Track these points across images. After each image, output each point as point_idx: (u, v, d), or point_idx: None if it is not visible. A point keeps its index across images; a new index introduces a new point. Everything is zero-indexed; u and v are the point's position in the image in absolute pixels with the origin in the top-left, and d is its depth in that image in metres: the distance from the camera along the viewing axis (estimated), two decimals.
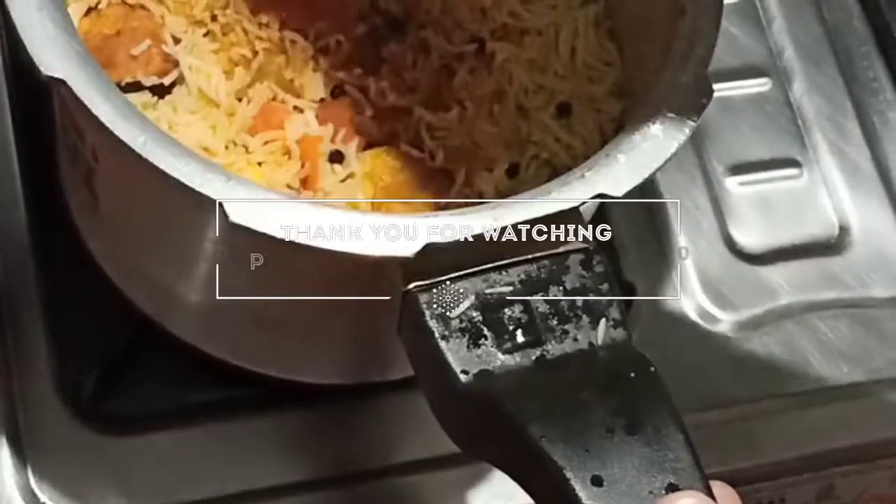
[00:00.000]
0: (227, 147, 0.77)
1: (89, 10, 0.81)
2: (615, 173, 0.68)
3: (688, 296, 0.99)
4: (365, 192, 0.77)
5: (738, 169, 1.05)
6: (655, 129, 0.70)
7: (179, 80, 0.78)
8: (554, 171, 0.81)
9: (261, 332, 0.80)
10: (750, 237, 1.03)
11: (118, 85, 0.76)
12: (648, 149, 0.69)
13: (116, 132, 0.62)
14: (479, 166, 0.79)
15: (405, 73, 0.81)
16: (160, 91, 0.77)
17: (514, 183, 0.79)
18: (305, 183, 0.77)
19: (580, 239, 0.68)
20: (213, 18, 0.80)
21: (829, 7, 1.13)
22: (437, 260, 0.64)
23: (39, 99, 0.81)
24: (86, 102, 0.62)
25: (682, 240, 1.01)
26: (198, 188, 0.62)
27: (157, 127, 0.64)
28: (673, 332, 0.97)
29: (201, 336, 0.83)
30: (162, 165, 0.62)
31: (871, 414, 0.98)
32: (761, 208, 1.04)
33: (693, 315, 0.98)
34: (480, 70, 0.82)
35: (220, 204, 0.62)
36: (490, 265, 0.66)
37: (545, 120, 0.81)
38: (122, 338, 0.87)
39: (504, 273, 0.66)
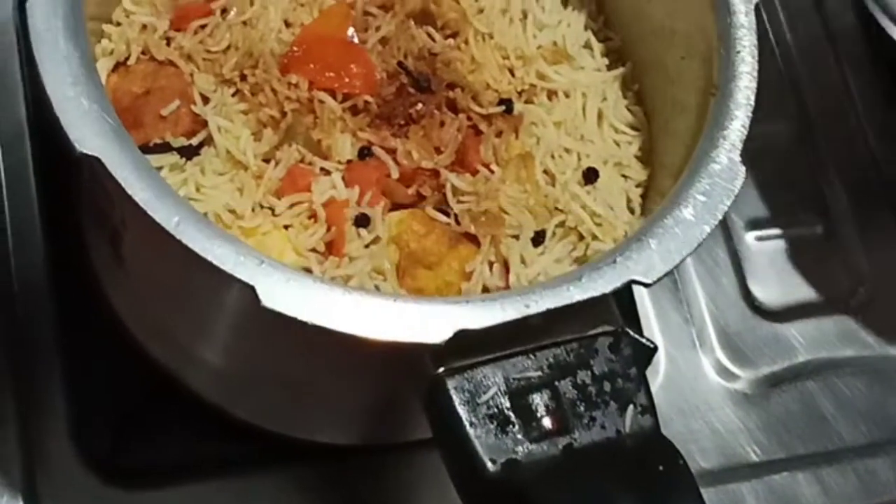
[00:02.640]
0: (253, 209, 0.76)
1: (117, 66, 0.81)
2: (647, 259, 0.68)
3: (706, 352, 0.99)
4: (390, 258, 0.77)
5: (757, 223, 1.05)
6: (687, 213, 0.69)
7: (207, 141, 0.78)
8: (580, 238, 0.80)
9: (282, 398, 0.80)
10: (769, 293, 1.02)
11: (146, 146, 0.76)
12: (680, 234, 0.69)
13: (150, 213, 0.62)
14: (505, 233, 0.79)
15: (432, 134, 0.80)
16: (188, 152, 0.77)
17: (540, 250, 0.79)
18: (331, 247, 0.77)
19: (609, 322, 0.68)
20: (243, 78, 0.80)
21: (848, 60, 1.13)
22: (466, 345, 0.64)
23: (64, 152, 0.81)
24: (120, 182, 0.62)
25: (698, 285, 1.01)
26: (230, 271, 0.62)
27: (191, 207, 0.63)
28: (691, 389, 0.97)
29: (221, 397, 0.83)
30: (195, 247, 0.62)
31: (890, 474, 0.98)
32: (781, 264, 1.04)
33: (711, 372, 0.98)
34: (508, 132, 0.82)
35: (253, 288, 0.61)
36: (519, 349, 0.66)
37: (572, 186, 0.80)
38: (139, 392, 0.87)
39: (532, 357, 0.66)
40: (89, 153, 0.63)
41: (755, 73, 0.74)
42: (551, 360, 0.66)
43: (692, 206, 0.69)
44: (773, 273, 1.03)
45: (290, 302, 0.62)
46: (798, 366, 1.00)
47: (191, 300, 0.73)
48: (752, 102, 0.73)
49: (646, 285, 0.67)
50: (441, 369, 0.64)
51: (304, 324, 0.62)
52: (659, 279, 0.67)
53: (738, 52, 0.74)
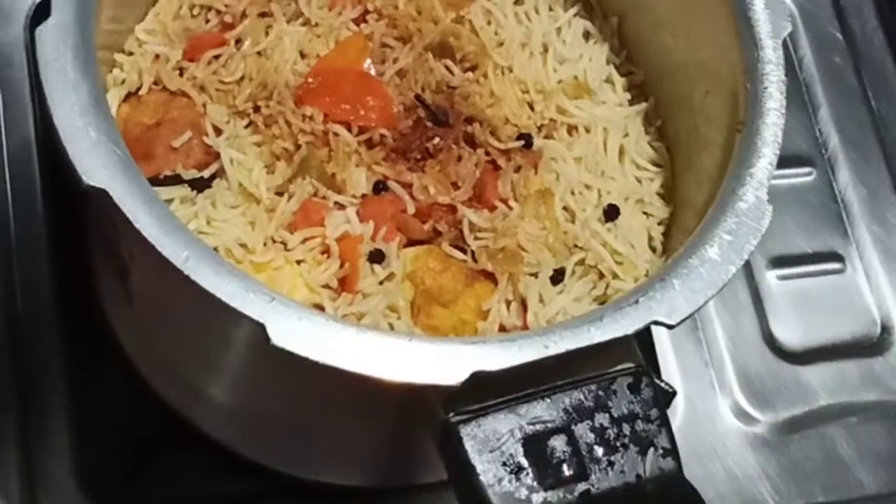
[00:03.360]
0: (265, 244, 0.74)
1: (129, 96, 0.79)
2: (670, 299, 0.66)
3: (725, 394, 0.96)
4: (405, 296, 0.75)
5: (779, 262, 1.03)
6: (712, 252, 0.68)
7: (219, 173, 0.76)
8: (599, 277, 0.78)
9: (291, 438, 0.78)
10: (790, 334, 1.00)
11: (157, 178, 0.75)
12: (705, 274, 0.67)
13: (159, 248, 0.60)
14: (523, 271, 0.77)
15: (449, 169, 0.79)
16: (199, 185, 0.75)
17: (559, 289, 0.77)
18: (344, 283, 0.75)
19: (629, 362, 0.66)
20: (256, 109, 0.78)
21: (876, 95, 1.10)
22: (481, 388, 0.62)
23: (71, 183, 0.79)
24: (128, 216, 0.60)
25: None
26: (240, 309, 0.60)
27: (201, 242, 0.62)
28: (709, 432, 0.95)
29: (229, 436, 0.81)
30: (204, 284, 0.60)
31: None
32: (802, 304, 1.02)
33: (730, 414, 0.96)
34: (527, 168, 0.80)
35: (263, 326, 0.60)
36: (535, 390, 0.64)
37: (592, 223, 0.79)
38: (146, 428, 0.85)
39: (549, 400, 0.64)
40: (96, 186, 0.61)
41: (783, 110, 0.72)
42: (568, 402, 0.64)
43: (717, 245, 0.67)
44: (795, 314, 1.00)
45: (301, 341, 0.60)
46: (819, 410, 0.98)
47: (199, 336, 0.71)
48: (780, 139, 0.71)
49: (669, 327, 0.65)
50: (453, 414, 0.62)
51: (315, 363, 0.59)
52: (682, 321, 0.65)
53: (766, 87, 0.72)
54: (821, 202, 1.05)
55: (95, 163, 0.62)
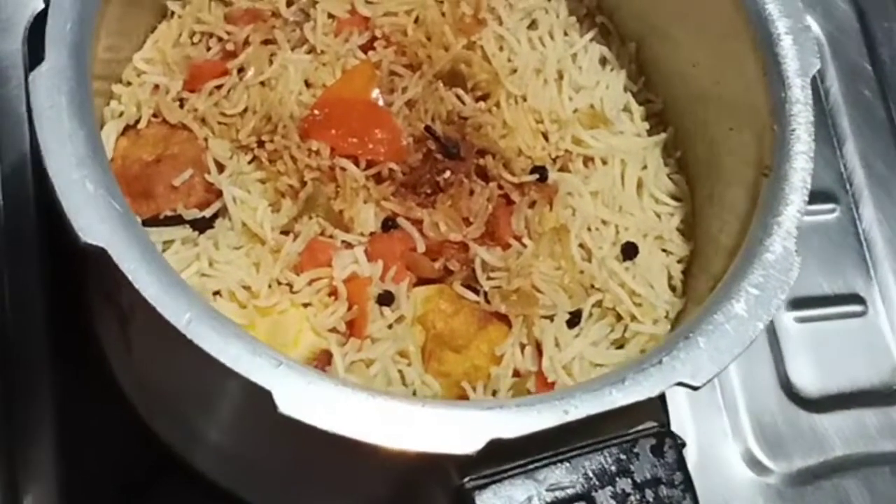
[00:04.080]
0: (270, 286, 0.71)
1: (127, 129, 0.76)
2: (695, 359, 0.63)
3: (738, 442, 0.93)
4: (415, 340, 0.72)
5: (798, 304, 0.99)
6: (739, 308, 0.64)
7: (222, 212, 0.73)
8: (618, 319, 0.75)
9: (295, 489, 0.75)
10: (807, 380, 0.96)
11: (156, 218, 0.71)
12: (731, 331, 0.64)
13: (159, 309, 0.57)
14: (538, 313, 0.73)
15: (461, 204, 0.75)
16: (201, 225, 0.72)
17: (575, 332, 0.74)
18: (352, 327, 0.72)
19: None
20: (260, 144, 0.75)
21: None
22: (497, 454, 0.59)
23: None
24: (128, 276, 0.57)
25: None
26: (245, 374, 0.57)
27: (204, 301, 0.58)
28: (722, 482, 0.92)
29: (227, 477, 0.78)
30: (207, 348, 0.57)
31: None
32: (821, 348, 0.98)
33: (742, 463, 0.93)
34: (541, 203, 0.77)
35: (269, 393, 0.57)
36: (553, 454, 0.62)
37: (609, 262, 0.75)
38: (140, 466, 0.82)
39: (568, 464, 0.62)
40: (94, 244, 0.57)
41: (811, 154, 0.69)
42: (589, 466, 0.61)
43: (744, 300, 0.64)
44: (814, 358, 0.96)
45: (310, 408, 0.57)
46: (835, 461, 0.94)
47: (201, 391, 0.68)
48: (809, 185, 0.68)
49: (693, 388, 0.62)
50: (468, 479, 0.59)
51: (324, 432, 0.56)
52: (707, 381, 0.62)
53: (794, 129, 0.69)
54: (843, 241, 1.02)
55: (93, 218, 0.58)
